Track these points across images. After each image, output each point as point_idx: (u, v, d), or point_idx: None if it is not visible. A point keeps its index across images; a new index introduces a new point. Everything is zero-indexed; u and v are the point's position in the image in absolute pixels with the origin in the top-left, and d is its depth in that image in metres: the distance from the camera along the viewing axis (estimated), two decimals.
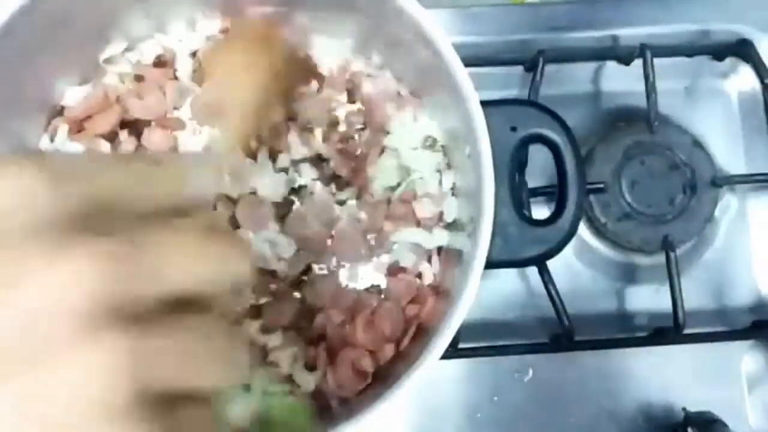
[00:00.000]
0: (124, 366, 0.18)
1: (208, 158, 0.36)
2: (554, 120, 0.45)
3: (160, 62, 0.47)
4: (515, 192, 0.44)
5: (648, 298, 0.56)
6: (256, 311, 0.45)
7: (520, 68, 0.57)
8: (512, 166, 0.45)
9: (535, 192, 0.53)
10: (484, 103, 0.40)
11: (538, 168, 0.53)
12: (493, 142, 0.39)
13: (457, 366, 0.54)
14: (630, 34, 0.57)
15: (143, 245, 0.20)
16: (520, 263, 0.47)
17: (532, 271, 0.51)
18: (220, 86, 0.43)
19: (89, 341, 0.18)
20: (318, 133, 0.47)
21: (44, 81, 0.45)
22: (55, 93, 0.46)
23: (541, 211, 0.55)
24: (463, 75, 0.40)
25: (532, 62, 0.54)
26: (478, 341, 0.52)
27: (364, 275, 0.48)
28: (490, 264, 0.39)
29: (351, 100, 0.49)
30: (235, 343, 0.23)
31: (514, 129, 0.45)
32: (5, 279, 0.18)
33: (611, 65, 0.58)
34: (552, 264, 0.50)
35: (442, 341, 0.39)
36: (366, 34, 0.47)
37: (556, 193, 0.49)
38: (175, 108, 0.47)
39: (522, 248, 0.45)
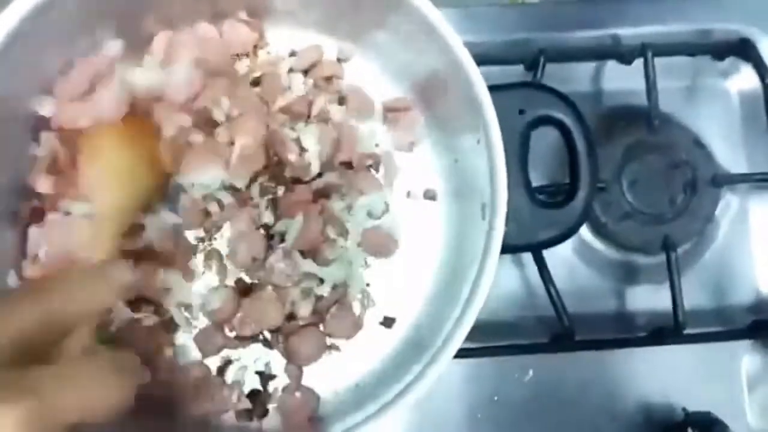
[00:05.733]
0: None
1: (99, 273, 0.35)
2: (561, 100, 0.45)
3: None
4: (526, 175, 0.44)
5: (648, 298, 0.56)
6: None
7: (520, 68, 0.56)
8: (522, 149, 0.44)
9: (540, 191, 0.53)
10: (491, 88, 0.40)
11: (540, 166, 0.53)
12: (501, 126, 0.39)
13: (457, 366, 0.54)
14: (631, 33, 0.57)
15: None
16: (536, 246, 0.47)
17: (533, 271, 0.51)
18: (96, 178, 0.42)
19: None
20: None
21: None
22: None
23: None
24: (468, 60, 0.40)
25: (532, 61, 0.54)
26: (478, 341, 0.52)
27: None
28: (506, 248, 0.39)
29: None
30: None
31: (522, 112, 0.45)
32: None
33: (612, 65, 0.58)
34: (552, 263, 0.50)
35: (451, 346, 0.40)
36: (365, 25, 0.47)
37: (558, 193, 0.49)
38: None
39: (537, 232, 0.44)
